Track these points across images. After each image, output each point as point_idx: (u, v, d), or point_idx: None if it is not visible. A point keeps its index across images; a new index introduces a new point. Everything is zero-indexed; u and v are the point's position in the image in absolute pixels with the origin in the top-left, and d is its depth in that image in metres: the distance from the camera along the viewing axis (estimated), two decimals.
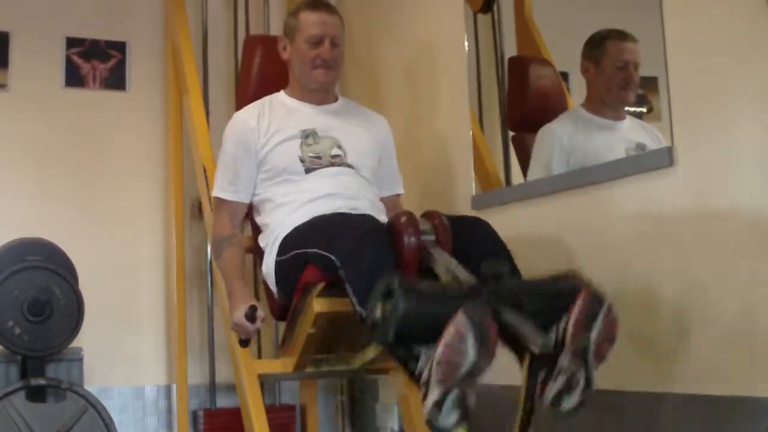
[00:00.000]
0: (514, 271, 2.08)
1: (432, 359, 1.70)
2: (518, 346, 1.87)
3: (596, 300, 1.81)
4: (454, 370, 1.68)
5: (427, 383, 1.72)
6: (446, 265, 1.97)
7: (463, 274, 1.91)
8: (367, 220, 2.15)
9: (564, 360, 1.80)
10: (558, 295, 1.86)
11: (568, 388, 1.81)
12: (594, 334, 1.79)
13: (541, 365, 1.84)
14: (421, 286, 1.81)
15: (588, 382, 1.80)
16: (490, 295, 1.83)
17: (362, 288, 1.94)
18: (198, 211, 3.42)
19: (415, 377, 1.78)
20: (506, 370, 1.85)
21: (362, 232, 2.05)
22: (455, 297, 1.79)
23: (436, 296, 1.80)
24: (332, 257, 2.07)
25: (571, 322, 1.78)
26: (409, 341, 1.78)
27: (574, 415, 1.81)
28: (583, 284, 1.86)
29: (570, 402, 1.81)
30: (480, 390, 1.75)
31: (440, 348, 1.68)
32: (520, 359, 1.88)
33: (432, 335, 1.71)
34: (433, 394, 1.71)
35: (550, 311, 1.84)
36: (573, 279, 1.91)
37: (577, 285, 1.86)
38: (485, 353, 1.68)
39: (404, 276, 1.83)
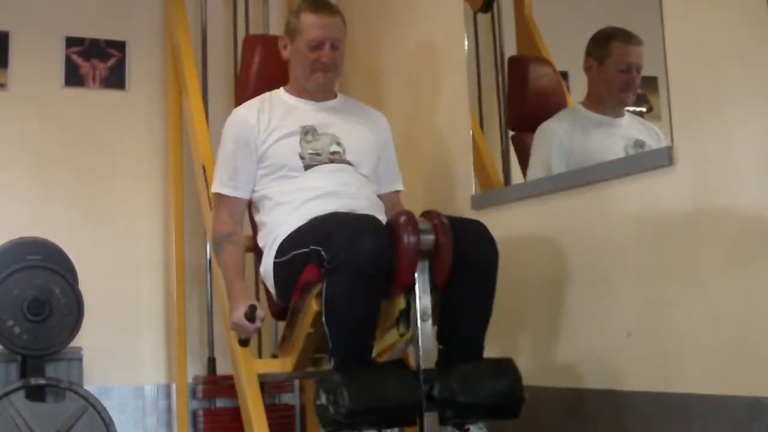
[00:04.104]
0: (490, 292, 2.15)
1: None
2: None
3: None
4: None
5: None
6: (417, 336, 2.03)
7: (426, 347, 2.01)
8: (365, 218, 2.14)
9: None
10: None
11: None
12: None
13: None
14: (364, 387, 1.94)
15: None
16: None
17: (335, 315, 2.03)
18: None
19: None
20: None
21: (359, 228, 2.05)
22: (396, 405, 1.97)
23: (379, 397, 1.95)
24: (322, 252, 2.06)
25: None
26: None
27: None
28: None
29: None
30: None
31: None
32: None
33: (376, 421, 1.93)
34: None
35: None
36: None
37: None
38: None
39: (349, 371, 1.97)
